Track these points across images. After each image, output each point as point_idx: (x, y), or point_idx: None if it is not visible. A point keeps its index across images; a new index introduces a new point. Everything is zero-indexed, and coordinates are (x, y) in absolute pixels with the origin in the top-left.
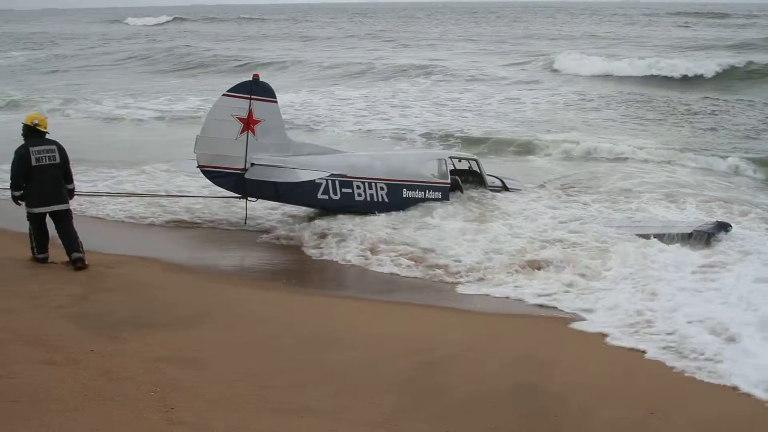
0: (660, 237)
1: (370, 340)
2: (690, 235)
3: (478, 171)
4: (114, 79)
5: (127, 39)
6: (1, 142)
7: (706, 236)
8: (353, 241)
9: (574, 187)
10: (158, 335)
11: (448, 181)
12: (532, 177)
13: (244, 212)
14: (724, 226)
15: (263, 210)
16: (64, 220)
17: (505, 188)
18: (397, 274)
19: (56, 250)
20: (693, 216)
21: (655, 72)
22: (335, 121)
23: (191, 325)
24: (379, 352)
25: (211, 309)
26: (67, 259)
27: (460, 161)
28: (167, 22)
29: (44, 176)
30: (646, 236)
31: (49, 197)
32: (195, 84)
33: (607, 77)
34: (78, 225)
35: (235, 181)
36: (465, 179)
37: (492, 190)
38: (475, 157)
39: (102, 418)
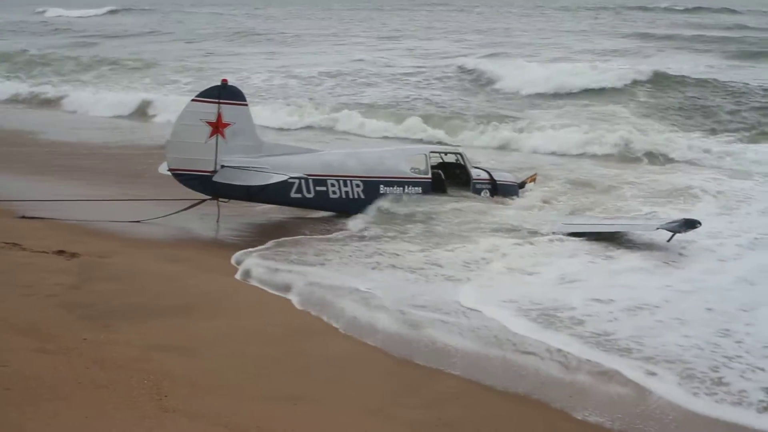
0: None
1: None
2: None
3: (464, 164)
4: None
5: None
6: None
7: (671, 234)
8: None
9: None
10: (151, 324)
11: (429, 176)
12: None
13: (217, 213)
14: (691, 224)
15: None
16: None
17: (492, 181)
18: None
19: (49, 240)
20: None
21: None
22: None
23: (183, 314)
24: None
25: (203, 298)
26: (58, 248)
27: (446, 155)
28: (104, 14)
29: None
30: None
31: None
32: None
33: None
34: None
35: (206, 183)
36: (451, 173)
37: (477, 187)
38: (460, 150)
39: (95, 406)
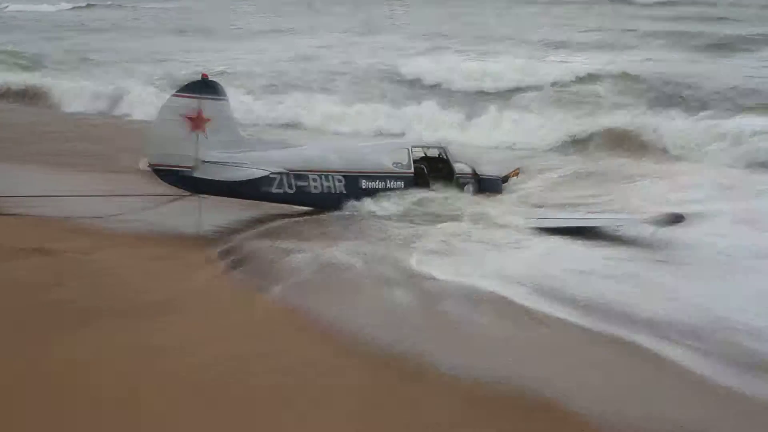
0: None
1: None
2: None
3: (446, 159)
4: None
5: None
6: None
7: (653, 229)
8: None
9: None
10: (130, 321)
11: (411, 170)
12: None
13: (199, 214)
14: (675, 218)
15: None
16: None
17: (475, 175)
18: None
19: (27, 237)
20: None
21: None
22: None
23: (164, 312)
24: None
25: (186, 295)
26: (35, 245)
27: (429, 149)
28: (71, 9)
29: None
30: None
31: None
32: None
33: None
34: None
35: (186, 179)
36: (434, 167)
37: (460, 182)
38: (443, 145)
39: (72, 406)
